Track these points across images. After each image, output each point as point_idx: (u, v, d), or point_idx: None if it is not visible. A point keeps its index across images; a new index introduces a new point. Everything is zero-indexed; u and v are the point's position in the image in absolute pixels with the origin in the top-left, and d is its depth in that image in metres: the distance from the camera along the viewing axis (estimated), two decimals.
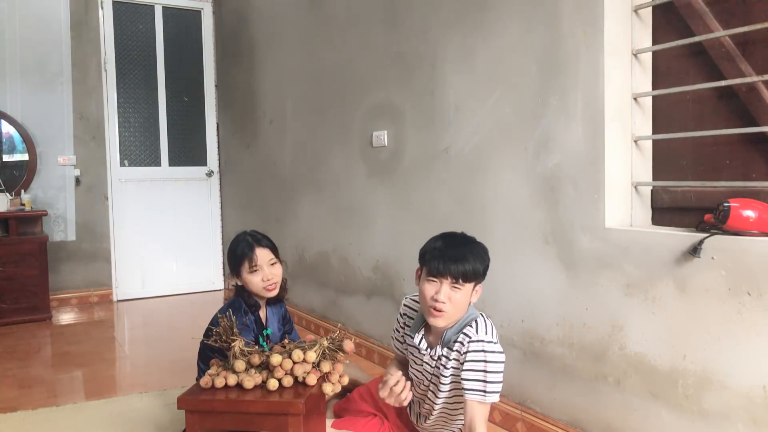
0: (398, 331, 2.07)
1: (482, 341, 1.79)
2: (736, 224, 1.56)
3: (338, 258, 3.49)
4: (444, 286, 1.78)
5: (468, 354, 1.79)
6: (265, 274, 2.21)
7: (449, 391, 1.89)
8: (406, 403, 1.82)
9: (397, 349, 2.10)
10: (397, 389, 1.79)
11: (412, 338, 1.95)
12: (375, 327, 3.17)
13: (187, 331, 3.80)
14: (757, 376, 1.53)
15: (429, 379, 1.94)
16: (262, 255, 2.22)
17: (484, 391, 1.75)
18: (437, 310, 1.79)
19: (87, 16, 4.77)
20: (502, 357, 1.79)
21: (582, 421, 2.01)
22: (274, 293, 2.25)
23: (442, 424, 2.02)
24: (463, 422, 1.90)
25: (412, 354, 1.99)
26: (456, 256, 1.77)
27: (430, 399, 1.96)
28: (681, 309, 1.69)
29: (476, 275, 1.80)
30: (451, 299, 1.78)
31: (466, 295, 1.80)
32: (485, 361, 1.76)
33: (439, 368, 1.89)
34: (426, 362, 1.93)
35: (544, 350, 2.14)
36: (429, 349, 1.91)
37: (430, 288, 1.80)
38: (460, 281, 1.77)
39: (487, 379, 1.75)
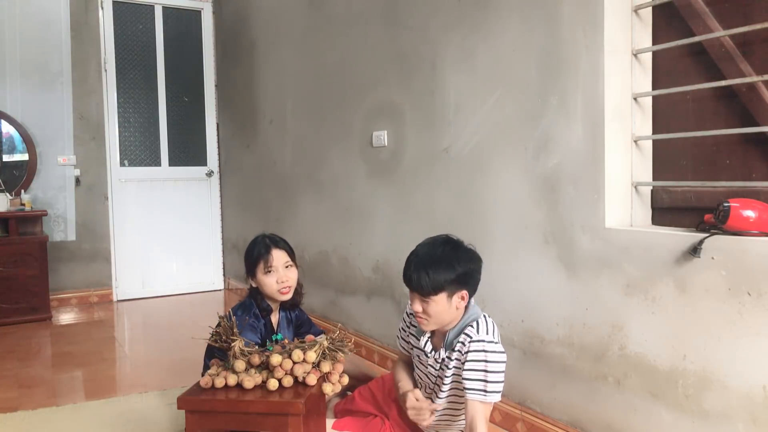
0: (404, 330, 2.08)
1: (483, 341, 1.79)
2: (736, 224, 1.56)
3: (338, 258, 3.49)
4: (416, 299, 1.82)
5: (469, 354, 1.79)
6: (280, 276, 2.20)
7: (449, 390, 1.89)
8: (425, 424, 1.88)
9: (402, 348, 2.10)
10: (422, 415, 1.86)
11: (418, 340, 1.96)
12: (375, 327, 3.17)
13: (187, 331, 3.80)
14: (757, 376, 1.53)
15: (434, 381, 1.95)
16: (278, 257, 2.21)
17: (485, 391, 1.75)
18: (417, 317, 1.85)
19: (87, 16, 4.77)
20: (503, 357, 1.79)
21: (582, 421, 2.01)
22: (287, 297, 2.24)
23: (445, 425, 2.02)
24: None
25: (419, 357, 2.00)
26: (418, 271, 1.77)
27: (434, 400, 1.97)
28: (681, 309, 1.69)
29: (440, 288, 1.77)
30: (426, 310, 1.81)
31: (440, 305, 1.79)
32: (486, 361, 1.76)
33: (443, 370, 1.90)
34: (430, 365, 1.94)
35: (544, 350, 2.14)
36: (433, 352, 1.92)
37: (411, 297, 1.86)
38: (424, 295, 1.78)
39: (488, 379, 1.75)
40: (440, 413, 1.98)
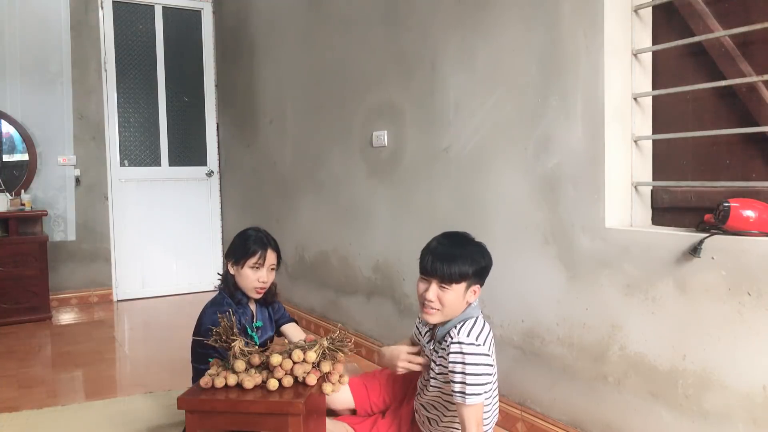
0: (419, 317, 2.10)
1: (461, 343, 1.78)
2: (736, 224, 1.56)
3: (338, 258, 3.49)
4: (433, 285, 1.82)
5: (450, 355, 1.80)
6: (262, 276, 2.22)
7: (437, 383, 1.92)
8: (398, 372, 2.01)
9: (415, 335, 2.14)
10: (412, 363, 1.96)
11: (424, 327, 2.02)
12: (375, 327, 3.17)
13: (187, 331, 3.75)
14: (757, 376, 1.53)
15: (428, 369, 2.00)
16: (270, 257, 2.24)
17: (464, 393, 1.75)
18: (427, 308, 1.84)
19: (87, 16, 4.77)
20: (483, 359, 1.77)
21: (582, 421, 2.01)
22: (259, 296, 2.26)
23: (437, 413, 2.02)
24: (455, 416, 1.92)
25: (419, 342, 2.05)
26: (445, 257, 1.80)
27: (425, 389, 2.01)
28: (681, 309, 1.69)
29: (464, 277, 1.80)
30: (440, 298, 1.81)
31: (457, 296, 1.81)
32: (463, 363, 1.76)
33: (432, 361, 1.94)
34: (425, 354, 1.99)
35: (544, 350, 2.14)
36: (428, 342, 1.96)
37: (421, 285, 1.86)
38: (447, 282, 1.79)
39: (466, 381, 1.75)
40: (430, 406, 1.99)
